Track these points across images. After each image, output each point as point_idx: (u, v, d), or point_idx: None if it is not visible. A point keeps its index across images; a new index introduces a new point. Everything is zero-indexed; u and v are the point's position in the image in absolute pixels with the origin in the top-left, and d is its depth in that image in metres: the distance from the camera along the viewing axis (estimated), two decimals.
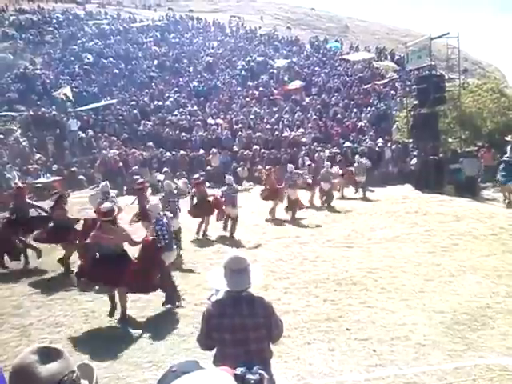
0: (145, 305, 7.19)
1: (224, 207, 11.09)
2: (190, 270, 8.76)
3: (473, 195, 14.62)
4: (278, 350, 5.45)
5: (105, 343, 6.05)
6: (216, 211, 11.18)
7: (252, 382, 2.31)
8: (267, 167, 14.59)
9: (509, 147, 14.68)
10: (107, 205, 7.05)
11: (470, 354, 5.37)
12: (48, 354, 1.61)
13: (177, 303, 7.07)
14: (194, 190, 11.40)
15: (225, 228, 11.39)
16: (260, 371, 2.43)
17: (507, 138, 15.51)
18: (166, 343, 5.98)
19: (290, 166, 13.58)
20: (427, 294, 7.19)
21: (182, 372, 1.82)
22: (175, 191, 10.30)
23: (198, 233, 10.96)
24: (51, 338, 6.28)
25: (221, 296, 3.45)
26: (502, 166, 14.07)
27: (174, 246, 7.63)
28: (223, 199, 11.14)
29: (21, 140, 19.76)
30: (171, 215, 8.32)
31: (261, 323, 3.20)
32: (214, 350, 3.35)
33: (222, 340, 3.21)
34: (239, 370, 2.36)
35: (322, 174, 14.06)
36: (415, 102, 18.33)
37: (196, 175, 12.39)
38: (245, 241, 10.65)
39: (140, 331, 6.36)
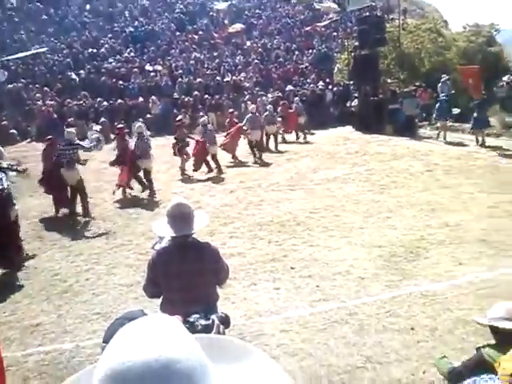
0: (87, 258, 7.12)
1: (207, 146, 11.55)
2: (133, 221, 8.67)
3: (411, 134, 15.07)
4: (225, 292, 5.54)
5: (48, 299, 5.97)
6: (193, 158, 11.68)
7: (199, 327, 2.33)
8: (230, 110, 14.46)
9: (439, 86, 15.18)
10: None
11: (405, 284, 5.70)
12: None
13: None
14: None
15: (209, 168, 11.82)
16: (212, 317, 2.46)
17: (443, 77, 15.90)
18: (113, 294, 5.96)
19: (270, 107, 14.50)
20: (367, 230, 7.49)
21: (127, 319, 1.81)
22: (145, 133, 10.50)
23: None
24: None
25: (165, 244, 3.43)
26: (437, 104, 14.61)
27: None
28: (204, 139, 11.59)
29: None
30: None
31: (208, 269, 3.22)
32: (161, 298, 3.37)
33: (168, 287, 3.22)
34: (192, 318, 2.38)
35: (266, 117, 13.98)
36: (356, 44, 18.33)
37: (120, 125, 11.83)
38: (188, 189, 10.58)
39: None
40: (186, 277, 3.16)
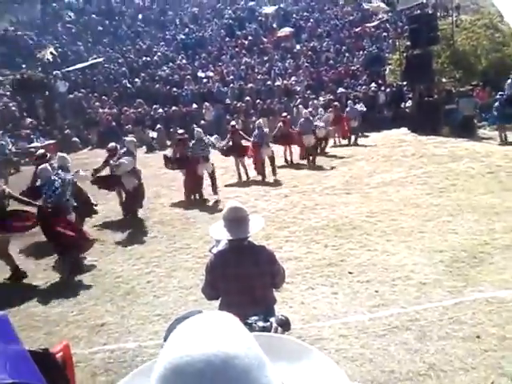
0: (148, 261, 7.33)
1: (262, 149, 11.70)
2: (191, 225, 8.86)
3: (470, 135, 14.56)
4: (282, 296, 5.59)
5: (112, 300, 6.19)
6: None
7: (257, 328, 2.36)
8: (283, 115, 14.44)
9: (507, 82, 14.37)
10: None
11: (469, 290, 5.51)
12: None
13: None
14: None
15: (263, 173, 11.85)
16: (271, 319, 2.48)
17: None
18: (173, 296, 6.11)
19: (321, 110, 14.59)
20: (426, 234, 7.30)
21: (187, 319, 1.87)
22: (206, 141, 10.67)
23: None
24: (59, 297, 6.42)
25: (222, 247, 3.50)
26: (496, 104, 14.03)
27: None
28: (259, 142, 11.74)
29: (10, 105, 19.44)
30: None
31: (264, 271, 3.27)
32: (219, 300, 3.43)
33: (227, 289, 3.29)
34: (251, 319, 2.42)
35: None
36: (408, 43, 17.94)
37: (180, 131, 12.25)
38: (243, 193, 10.69)
39: None
40: (243, 279, 3.22)
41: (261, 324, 2.40)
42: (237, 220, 3.21)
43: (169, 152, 11.71)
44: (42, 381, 2.32)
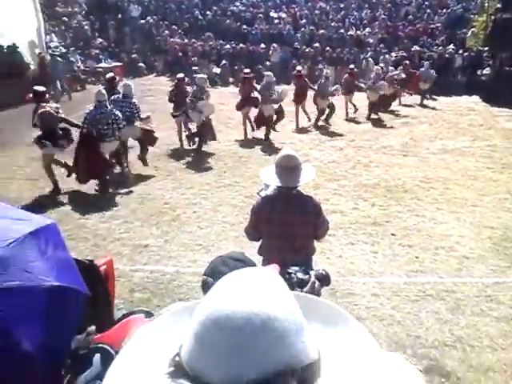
0: (196, 192, 7.52)
1: (319, 99, 11.57)
2: (243, 164, 8.94)
3: None
4: (321, 246, 5.62)
5: (158, 224, 6.44)
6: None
7: (295, 279, 2.39)
8: (351, 67, 13.90)
9: None
10: None
11: None
12: None
13: None
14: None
15: (318, 120, 11.83)
16: (311, 272, 2.51)
17: None
18: (217, 229, 6.29)
19: (392, 68, 14.23)
20: (479, 208, 7.06)
21: (229, 258, 1.93)
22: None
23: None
24: (110, 214, 6.75)
25: (270, 192, 3.53)
26: None
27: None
28: (318, 91, 11.59)
29: (83, 24, 19.77)
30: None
31: (309, 221, 3.29)
32: (260, 241, 3.50)
33: (270, 233, 3.35)
34: (291, 269, 2.45)
35: (387, 77, 13.41)
36: (498, 6, 16.63)
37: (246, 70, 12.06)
38: (298, 140, 10.60)
39: None
40: (287, 226, 3.26)
41: (300, 276, 2.42)
42: (289, 168, 3.22)
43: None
44: (84, 288, 2.47)
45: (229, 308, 0.70)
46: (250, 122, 10.67)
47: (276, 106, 10.52)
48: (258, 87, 10.78)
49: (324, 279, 2.59)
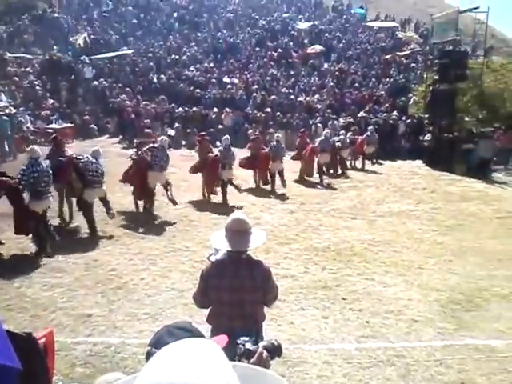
0: (145, 258, 7.34)
1: (273, 162, 11.74)
2: (193, 228, 8.86)
3: (484, 177, 14.48)
4: (272, 313, 5.56)
5: (103, 293, 6.19)
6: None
7: (242, 350, 2.33)
8: (302, 130, 14.66)
9: None
10: None
11: (460, 334, 5.44)
12: None
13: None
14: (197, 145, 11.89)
15: (273, 184, 11.99)
16: (260, 343, 2.45)
17: None
18: (165, 297, 6.10)
19: (342, 132, 14.82)
20: (426, 271, 7.23)
21: (175, 328, 1.86)
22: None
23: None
24: (52, 282, 6.44)
25: (220, 256, 3.49)
26: None
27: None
28: (272, 155, 11.84)
29: (35, 84, 19.68)
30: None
31: (258, 286, 3.25)
32: (209, 308, 3.42)
33: (219, 299, 3.27)
34: (240, 340, 2.40)
35: (338, 141, 14.02)
36: (435, 77, 17.90)
37: (202, 132, 12.49)
38: (249, 204, 10.68)
39: None
40: (236, 292, 3.21)
41: (248, 346, 2.37)
42: (239, 232, 3.20)
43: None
44: (17, 363, 2.30)
45: (165, 380, 0.70)
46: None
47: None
48: (216, 151, 11.01)
49: (274, 350, 2.53)
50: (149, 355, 1.83)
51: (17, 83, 19.29)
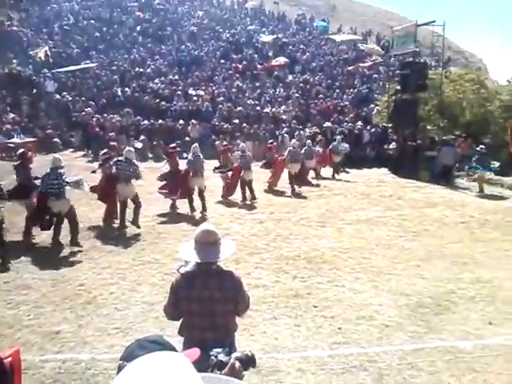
0: (114, 272, 7.20)
1: (243, 172, 11.95)
2: (162, 240, 8.75)
3: (447, 183, 14.89)
4: (244, 323, 5.52)
5: (72, 308, 6.04)
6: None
7: (214, 361, 2.32)
8: (270, 141, 15.05)
9: None
10: None
11: (430, 337, 5.53)
12: None
13: None
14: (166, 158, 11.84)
15: (244, 194, 12.08)
16: (233, 355, 2.44)
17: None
18: (134, 311, 5.98)
19: (309, 142, 14.92)
20: (395, 276, 7.33)
21: (147, 342, 1.83)
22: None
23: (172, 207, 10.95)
24: (18, 299, 6.24)
25: (190, 268, 3.45)
26: (476, 156, 14.41)
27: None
28: (240, 166, 12.04)
29: None
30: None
31: (228, 297, 3.23)
32: (180, 320, 3.37)
33: (189, 311, 3.24)
34: (213, 351, 2.38)
35: (305, 151, 14.13)
36: (397, 87, 18.38)
37: (172, 144, 12.45)
38: (218, 215, 10.64)
39: None
40: (207, 303, 3.18)
41: (221, 357, 2.36)
42: (208, 243, 3.18)
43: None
44: None
45: None
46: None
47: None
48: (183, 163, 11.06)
49: (248, 361, 2.50)
50: (120, 369, 1.78)
51: None
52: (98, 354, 5.00)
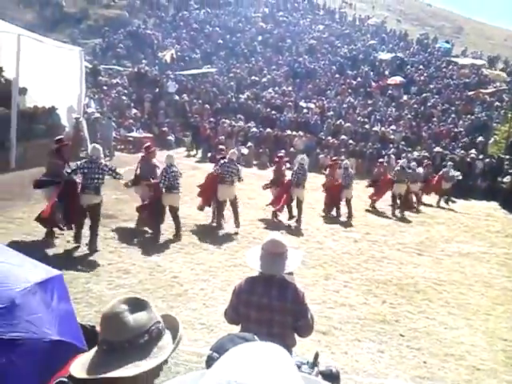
0: (207, 269, 7.49)
1: (343, 190, 11.86)
2: (256, 245, 8.90)
3: None
4: (327, 340, 5.51)
5: (164, 298, 6.39)
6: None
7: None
8: (380, 161, 14.70)
9: None
10: None
11: None
12: (136, 304, 1.70)
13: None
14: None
15: (338, 212, 11.99)
16: (317, 368, 2.40)
17: None
18: (222, 310, 6.09)
19: (414, 164, 14.33)
20: (493, 317, 6.86)
21: (238, 337, 1.94)
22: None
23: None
24: (117, 282, 6.72)
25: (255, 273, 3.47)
26: None
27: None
28: (341, 182, 11.90)
29: (121, 94, 20.88)
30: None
31: (287, 308, 3.14)
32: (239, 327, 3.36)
33: (247, 316, 3.22)
34: (297, 361, 2.37)
35: (411, 173, 13.71)
36: None
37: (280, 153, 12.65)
38: (314, 228, 10.64)
39: None
40: (265, 311, 3.13)
41: (304, 369, 2.34)
42: (273, 254, 3.15)
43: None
44: (83, 343, 2.43)
45: (235, 379, 0.71)
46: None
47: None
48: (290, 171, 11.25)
49: (332, 377, 2.47)
50: (210, 359, 1.91)
51: (105, 92, 20.57)
52: (181, 345, 5.21)
